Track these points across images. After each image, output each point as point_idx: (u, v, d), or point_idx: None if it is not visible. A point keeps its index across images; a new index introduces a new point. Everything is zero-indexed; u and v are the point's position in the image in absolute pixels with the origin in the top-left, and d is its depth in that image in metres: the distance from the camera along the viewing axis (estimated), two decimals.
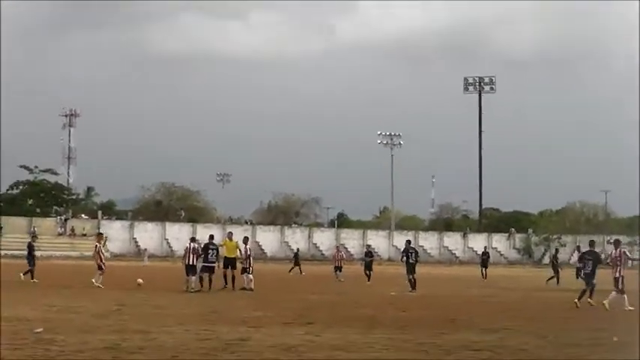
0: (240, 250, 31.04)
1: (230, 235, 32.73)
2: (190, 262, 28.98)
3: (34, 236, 38.20)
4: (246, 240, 31.59)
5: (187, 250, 29.42)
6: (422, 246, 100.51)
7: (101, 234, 35.13)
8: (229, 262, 30.33)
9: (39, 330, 14.82)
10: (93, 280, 29.91)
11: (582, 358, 13.15)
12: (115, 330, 15.39)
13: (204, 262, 29.34)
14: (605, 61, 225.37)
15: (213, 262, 29.49)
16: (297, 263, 53.21)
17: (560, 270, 41.56)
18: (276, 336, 15.04)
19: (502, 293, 33.01)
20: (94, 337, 14.04)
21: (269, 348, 13.32)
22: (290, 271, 51.14)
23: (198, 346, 13.27)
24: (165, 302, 23.29)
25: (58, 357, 11.71)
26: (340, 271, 42.56)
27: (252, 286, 29.90)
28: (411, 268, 32.26)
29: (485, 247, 56.11)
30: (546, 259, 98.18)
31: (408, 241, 36.68)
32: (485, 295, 31.50)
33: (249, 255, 30.95)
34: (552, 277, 40.84)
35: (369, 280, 39.56)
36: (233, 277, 30.09)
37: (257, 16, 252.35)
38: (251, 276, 30.33)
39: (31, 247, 35.27)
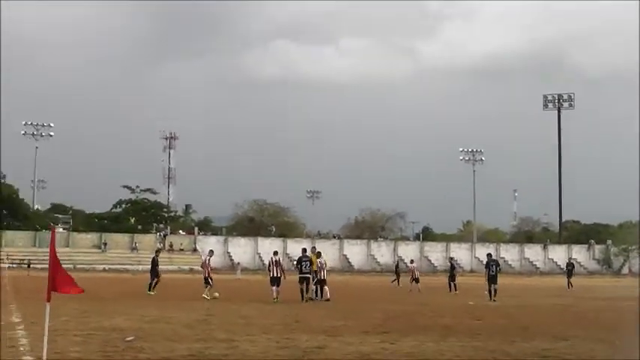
0: (325, 264, 32.37)
1: (313, 249, 33.90)
2: (273, 274, 30.72)
3: (157, 251, 39.65)
4: (319, 254, 32.60)
5: (270, 263, 31.34)
6: (503, 257, 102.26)
7: (212, 250, 36.79)
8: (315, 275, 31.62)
9: (130, 338, 15.86)
10: (206, 295, 31.50)
11: None
12: (201, 338, 16.31)
13: (299, 274, 30.91)
14: None
15: (308, 273, 30.86)
16: (398, 274, 53.44)
17: None
18: (352, 344, 15.68)
19: (579, 303, 33.23)
20: (181, 346, 14.96)
21: (345, 356, 13.99)
22: (398, 283, 50.93)
23: (277, 354, 14.03)
24: (252, 312, 24.26)
25: None
26: (417, 282, 43.85)
27: (324, 296, 31.22)
28: (492, 279, 32.98)
29: (569, 258, 56.24)
30: (625, 270, 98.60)
31: (489, 254, 37.42)
32: (561, 304, 31.84)
33: (320, 267, 31.94)
34: None
35: (451, 290, 40.24)
36: (322, 289, 31.34)
37: (345, 43, 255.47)
38: (313, 286, 31.37)
39: (154, 262, 36.42)
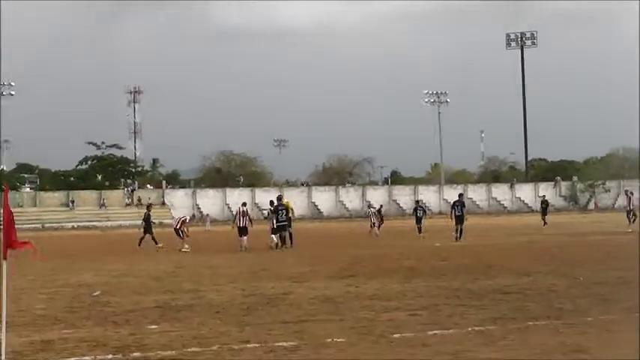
0: (293, 210, 32.52)
1: (280, 197, 34.16)
2: (241, 224, 31.37)
3: (148, 206, 39.23)
4: (271, 203, 33.18)
5: (238, 213, 32.24)
6: (471, 198, 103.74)
7: (195, 215, 37.17)
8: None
9: (97, 293, 15.95)
10: (187, 249, 31.47)
11: (605, 296, 13.72)
12: (168, 290, 16.44)
13: (277, 223, 31.10)
14: None
15: (285, 221, 31.18)
16: (381, 220, 53.04)
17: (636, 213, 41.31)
18: (317, 289, 15.91)
19: (544, 239, 33.72)
20: (147, 298, 15.08)
21: (309, 300, 14.17)
22: (373, 227, 50.52)
23: (243, 302, 14.17)
24: (221, 263, 24.45)
25: (110, 317, 12.67)
26: (374, 226, 44.03)
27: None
28: (457, 219, 33.83)
29: (543, 196, 56.84)
30: (591, 205, 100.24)
31: (460, 195, 37.93)
32: (527, 241, 32.30)
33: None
34: (635, 219, 40.18)
35: (420, 233, 40.40)
36: (291, 235, 31.56)
37: None
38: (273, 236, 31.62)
39: (147, 217, 36.35)
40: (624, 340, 9.72)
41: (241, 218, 31.62)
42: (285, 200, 33.60)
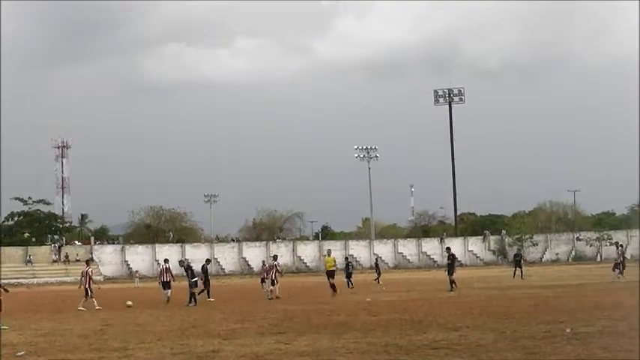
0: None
1: (329, 252, 41.02)
2: (164, 280, 34.77)
3: (208, 259, 39.21)
4: (275, 257, 39.11)
5: (162, 270, 35.37)
6: (402, 253, 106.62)
7: (88, 261, 37.18)
8: (330, 273, 37.60)
9: (21, 353, 15.58)
10: (82, 308, 30.76)
11: (532, 350, 13.91)
12: (95, 348, 16.17)
13: (191, 280, 32.96)
14: (569, 65, 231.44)
15: (196, 279, 33.55)
16: (379, 272, 52.27)
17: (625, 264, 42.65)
18: (247, 346, 15.77)
19: (473, 293, 34.12)
20: (74, 357, 14.82)
21: (239, 357, 14.07)
22: (377, 280, 49.37)
23: None
24: (149, 319, 24.12)
25: None
26: (264, 282, 38.82)
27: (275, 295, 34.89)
28: (450, 270, 37.21)
29: (517, 249, 58.54)
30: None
31: (447, 248, 41.67)
32: (456, 296, 32.52)
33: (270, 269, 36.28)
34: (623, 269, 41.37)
35: (349, 287, 43.08)
36: (333, 285, 36.40)
37: (240, 42, 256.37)
38: (272, 287, 35.49)
39: (204, 269, 35.89)
40: None
41: (165, 274, 34.83)
42: (332, 255, 39.61)
